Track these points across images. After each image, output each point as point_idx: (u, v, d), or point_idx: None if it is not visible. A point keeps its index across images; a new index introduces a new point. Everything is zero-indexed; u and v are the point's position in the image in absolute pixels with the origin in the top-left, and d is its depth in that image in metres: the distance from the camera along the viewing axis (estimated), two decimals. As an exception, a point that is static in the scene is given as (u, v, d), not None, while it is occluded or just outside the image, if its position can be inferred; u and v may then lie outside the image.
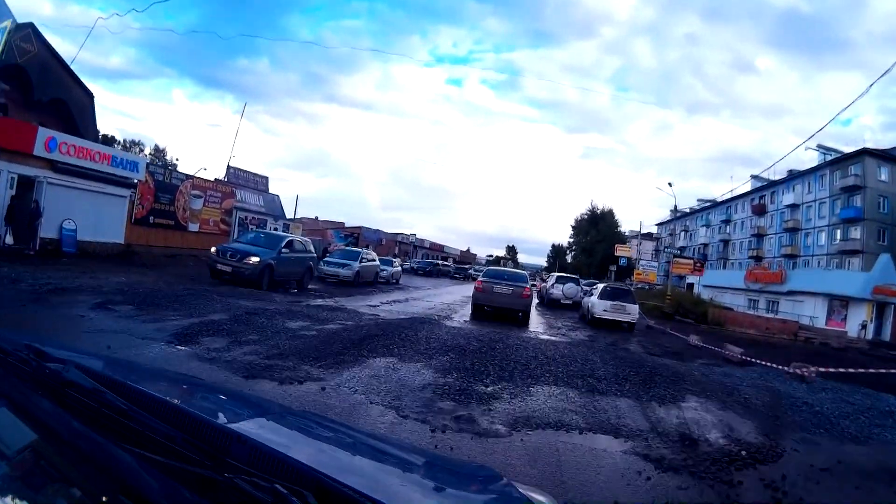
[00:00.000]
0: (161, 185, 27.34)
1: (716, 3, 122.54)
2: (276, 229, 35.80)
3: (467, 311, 18.51)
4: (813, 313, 36.27)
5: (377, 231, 72.27)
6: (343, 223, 71.43)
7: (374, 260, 28.96)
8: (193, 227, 29.90)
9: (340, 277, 24.93)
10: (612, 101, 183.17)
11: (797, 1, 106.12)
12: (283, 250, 18.30)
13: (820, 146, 53.09)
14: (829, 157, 52.80)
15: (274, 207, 38.97)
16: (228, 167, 36.17)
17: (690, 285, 52.39)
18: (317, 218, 75.13)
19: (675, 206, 42.38)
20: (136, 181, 24.44)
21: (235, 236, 30.39)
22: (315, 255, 21.12)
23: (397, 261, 35.99)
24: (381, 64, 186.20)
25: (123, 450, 1.12)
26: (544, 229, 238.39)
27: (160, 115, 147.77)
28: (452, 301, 23.00)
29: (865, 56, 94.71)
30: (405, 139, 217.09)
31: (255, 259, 16.72)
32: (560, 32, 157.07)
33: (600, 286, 21.09)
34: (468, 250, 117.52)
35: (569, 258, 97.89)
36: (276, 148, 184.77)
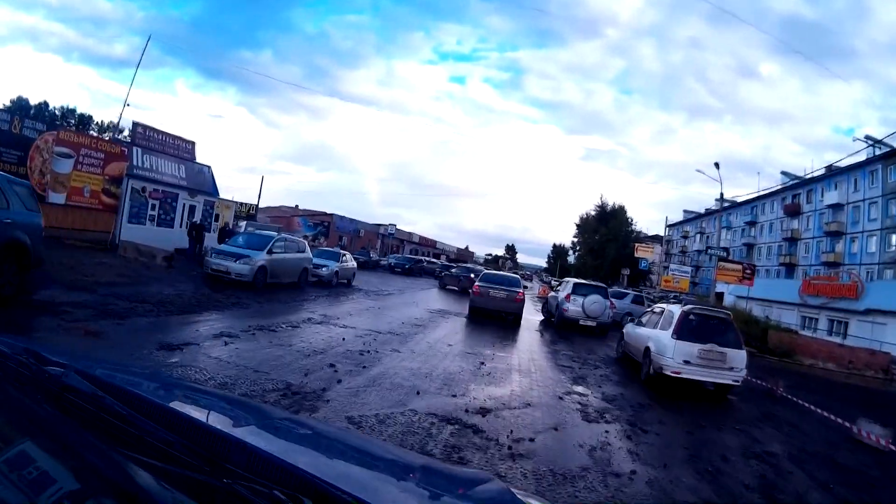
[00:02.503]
0: (4, 136, 18.24)
1: (720, 7, 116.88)
2: (193, 207, 26.79)
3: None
4: (902, 339, 27.02)
5: (354, 221, 63.34)
6: (324, 213, 62.78)
7: (300, 250, 19.39)
8: (57, 197, 20.59)
9: (233, 276, 15.73)
10: (614, 104, 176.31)
11: (801, 7, 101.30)
12: None
13: (869, 138, 44.83)
14: (879, 151, 44.11)
15: (200, 181, 28.96)
16: (134, 124, 26.35)
17: (720, 294, 42.85)
18: (297, 206, 67.35)
19: (721, 195, 32.56)
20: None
21: (125, 211, 22.18)
22: (39, 225, 10.21)
23: (348, 254, 25.86)
24: (385, 59, 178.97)
25: (122, 455, 1.11)
26: (544, 230, 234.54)
27: (162, 104, 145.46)
28: (385, 332, 13.01)
29: (869, 65, 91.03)
30: (407, 136, 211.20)
31: None
32: (564, 32, 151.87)
33: (674, 310, 11.23)
34: (467, 248, 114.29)
35: (571, 259, 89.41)
36: (277, 140, 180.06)
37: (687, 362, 9.89)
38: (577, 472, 5.17)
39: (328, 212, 61.23)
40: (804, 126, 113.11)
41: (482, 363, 10.08)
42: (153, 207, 24.23)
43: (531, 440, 5.91)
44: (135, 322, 8.85)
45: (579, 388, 9.39)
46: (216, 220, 28.50)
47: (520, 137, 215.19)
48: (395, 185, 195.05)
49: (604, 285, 21.40)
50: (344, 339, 10.28)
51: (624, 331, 14.04)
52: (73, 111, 67.59)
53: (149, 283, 13.54)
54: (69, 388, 1.27)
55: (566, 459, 5.55)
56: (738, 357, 10.20)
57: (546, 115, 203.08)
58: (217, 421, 1.38)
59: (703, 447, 6.84)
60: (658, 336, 10.78)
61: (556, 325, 19.07)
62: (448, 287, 32.74)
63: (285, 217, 57.67)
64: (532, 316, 22.62)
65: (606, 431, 6.83)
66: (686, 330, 10.22)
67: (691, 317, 10.53)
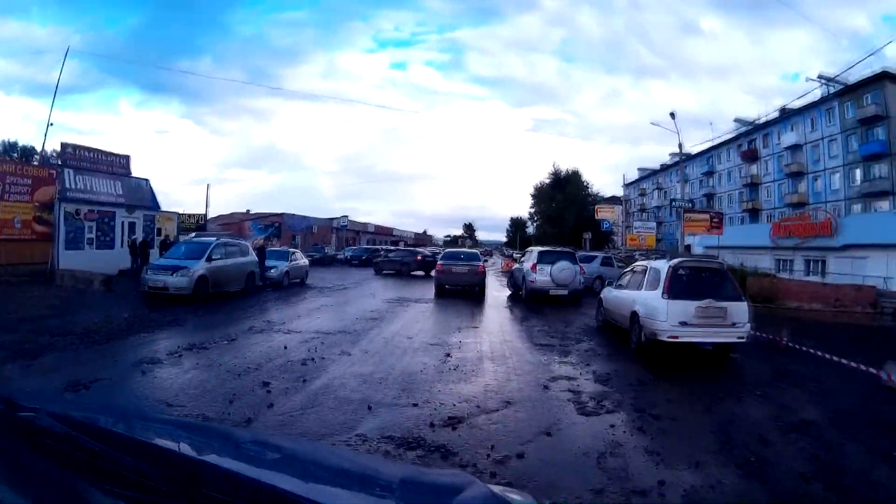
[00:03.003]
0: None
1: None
2: (133, 224, 24.91)
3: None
4: (885, 273, 26.20)
5: (305, 217, 61.17)
6: (274, 214, 60.19)
7: (244, 254, 17.77)
8: (-14, 233, 18.97)
9: (171, 291, 14.39)
10: (557, 73, 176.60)
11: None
12: None
13: (822, 77, 45.18)
14: (833, 90, 44.20)
15: (139, 196, 26.85)
16: (63, 145, 24.01)
17: (688, 247, 42.23)
18: (248, 211, 64.41)
19: (680, 146, 31.53)
20: None
21: (61, 237, 20.67)
22: None
23: (298, 252, 24.27)
24: (325, 53, 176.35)
25: (98, 490, 1.12)
26: (501, 205, 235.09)
27: (107, 126, 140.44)
28: (336, 332, 11.61)
29: (811, 11, 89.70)
30: (354, 127, 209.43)
31: None
32: (502, 7, 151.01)
33: (659, 266, 9.87)
34: (425, 232, 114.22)
35: (530, 229, 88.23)
36: (225, 148, 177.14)
37: (684, 323, 8.57)
38: (591, 500, 3.73)
39: (278, 212, 59.09)
40: (752, 76, 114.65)
41: (448, 355, 8.64)
42: (91, 230, 22.54)
43: (519, 456, 4.45)
44: (47, 360, 7.46)
45: (565, 371, 7.97)
46: (159, 234, 26.72)
47: (467, 116, 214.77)
48: (348, 177, 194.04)
49: (571, 250, 20.07)
50: (286, 347, 8.77)
51: (602, 296, 12.67)
52: (14, 144, 64.49)
53: (80, 311, 12.12)
54: (43, 430, 1.26)
55: (571, 480, 4.11)
56: (740, 310, 8.89)
57: (491, 92, 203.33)
58: (190, 447, 1.33)
59: (730, 427, 5.49)
60: (646, 298, 9.43)
61: (526, 299, 17.76)
62: (385, 272, 30.29)
63: (236, 223, 55.56)
64: (498, 292, 21.43)
65: (612, 426, 5.38)
66: (677, 287, 8.88)
67: (681, 271, 9.19)
